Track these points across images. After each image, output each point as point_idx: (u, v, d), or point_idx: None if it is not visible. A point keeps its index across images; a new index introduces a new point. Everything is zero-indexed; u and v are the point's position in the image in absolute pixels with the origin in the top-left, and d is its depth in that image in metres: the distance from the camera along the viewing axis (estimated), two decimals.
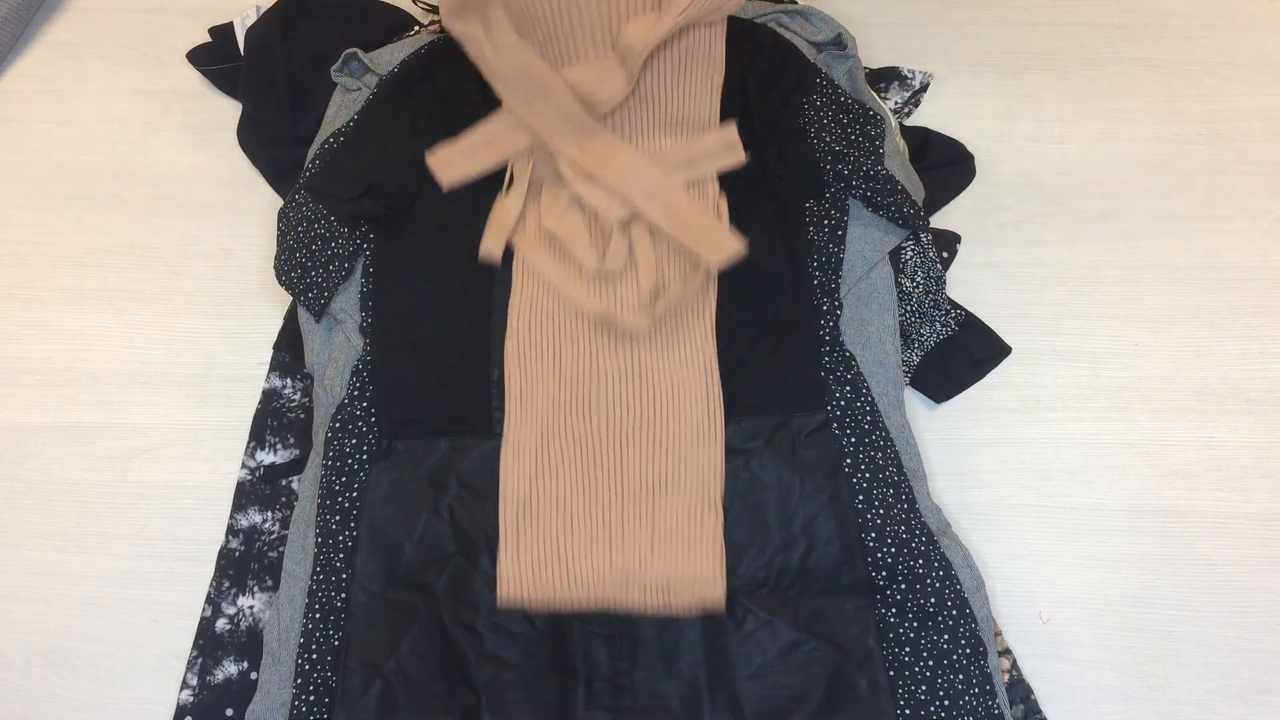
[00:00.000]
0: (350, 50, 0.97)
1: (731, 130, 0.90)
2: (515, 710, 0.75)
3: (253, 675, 0.83)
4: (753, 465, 0.81)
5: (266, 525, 0.88)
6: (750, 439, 0.82)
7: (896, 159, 0.93)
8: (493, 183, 0.91)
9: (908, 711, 0.75)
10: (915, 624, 0.77)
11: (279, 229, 0.91)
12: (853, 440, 0.82)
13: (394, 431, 0.83)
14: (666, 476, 0.81)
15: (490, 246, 0.88)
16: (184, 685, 0.83)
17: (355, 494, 0.82)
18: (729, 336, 0.85)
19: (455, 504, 0.81)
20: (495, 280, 0.87)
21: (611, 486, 0.81)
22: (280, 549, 0.87)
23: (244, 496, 0.89)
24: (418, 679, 0.77)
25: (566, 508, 0.80)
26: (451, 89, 0.96)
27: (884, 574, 0.79)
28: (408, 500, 0.81)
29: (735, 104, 0.92)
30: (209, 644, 0.84)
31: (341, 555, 0.80)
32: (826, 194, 0.91)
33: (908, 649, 0.77)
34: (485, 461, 0.82)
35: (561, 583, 0.78)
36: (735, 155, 0.90)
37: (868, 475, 0.81)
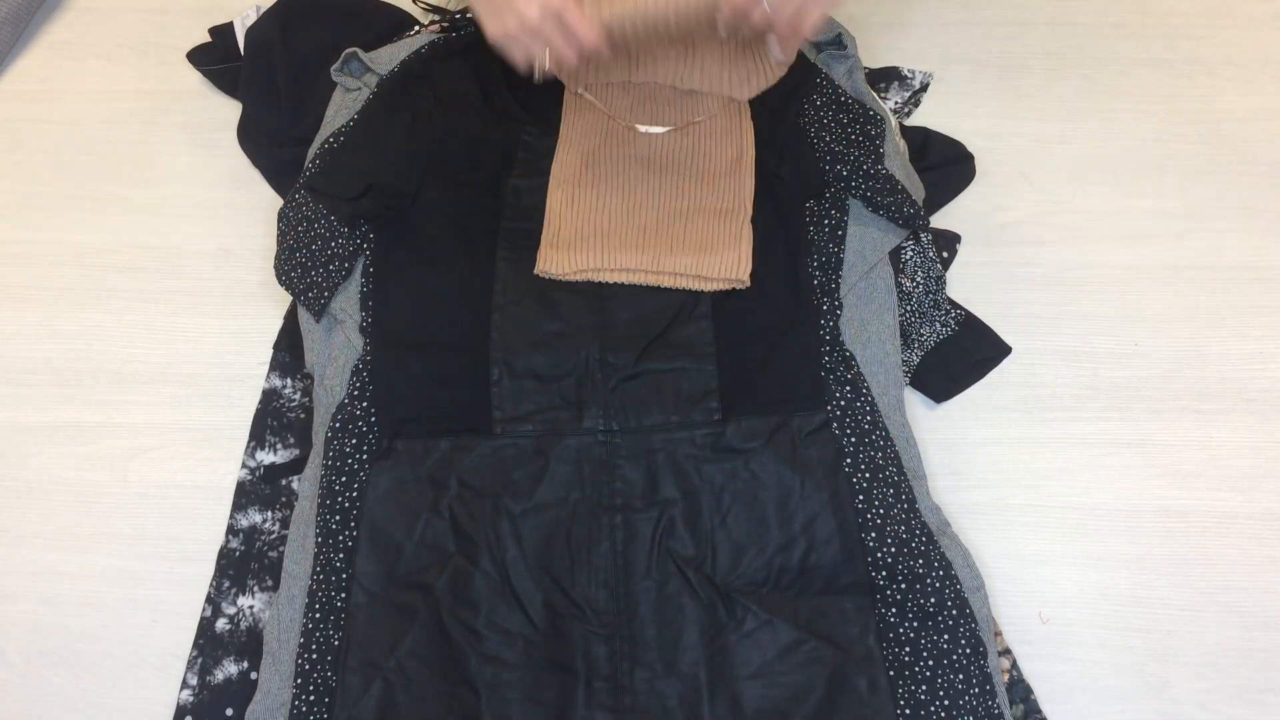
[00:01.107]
0: (350, 50, 0.97)
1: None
2: (516, 710, 0.75)
3: (253, 675, 0.82)
4: (752, 465, 0.81)
5: (266, 525, 0.88)
6: (750, 439, 0.82)
7: (896, 159, 0.93)
8: (492, 184, 0.91)
9: (908, 711, 0.75)
10: (915, 624, 0.77)
11: (279, 229, 0.91)
12: (853, 440, 0.82)
13: (394, 431, 0.83)
14: (700, 201, 0.88)
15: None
16: (184, 685, 0.83)
17: (355, 494, 0.82)
18: (729, 336, 0.85)
19: (455, 504, 0.81)
20: (495, 279, 0.87)
21: (648, 206, 0.88)
22: (280, 549, 0.87)
23: (244, 496, 0.89)
24: (418, 679, 0.77)
25: (606, 210, 0.87)
26: (451, 89, 0.96)
27: (884, 574, 0.79)
28: (408, 500, 0.81)
29: (736, 104, 0.93)
30: (209, 644, 0.84)
31: (341, 555, 0.80)
32: (826, 194, 0.91)
33: (908, 649, 0.77)
34: (485, 461, 0.82)
35: (597, 259, 0.85)
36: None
37: (868, 475, 0.81)
